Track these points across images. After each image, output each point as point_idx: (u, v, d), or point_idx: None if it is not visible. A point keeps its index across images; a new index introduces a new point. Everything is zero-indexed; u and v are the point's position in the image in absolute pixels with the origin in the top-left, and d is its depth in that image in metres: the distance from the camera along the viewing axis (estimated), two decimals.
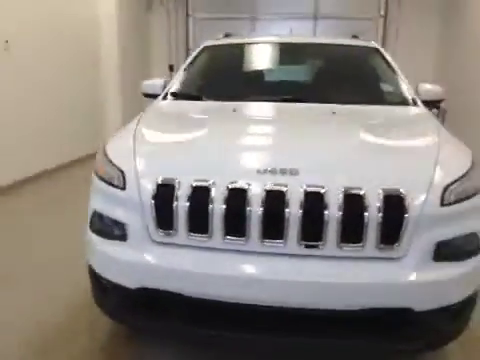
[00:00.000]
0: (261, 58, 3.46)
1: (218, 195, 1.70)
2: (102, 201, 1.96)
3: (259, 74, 3.30)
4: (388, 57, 3.30)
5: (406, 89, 2.92)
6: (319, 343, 1.78)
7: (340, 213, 1.64)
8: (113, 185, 1.89)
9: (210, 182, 1.72)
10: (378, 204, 1.65)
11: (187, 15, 8.92)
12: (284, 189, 1.67)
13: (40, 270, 3.03)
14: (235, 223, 1.69)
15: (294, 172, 1.73)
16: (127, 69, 7.50)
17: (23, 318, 2.46)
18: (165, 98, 2.95)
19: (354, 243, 1.67)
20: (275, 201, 1.66)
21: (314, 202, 1.66)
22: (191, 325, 1.80)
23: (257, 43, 3.62)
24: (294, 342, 1.76)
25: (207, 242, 1.73)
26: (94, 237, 1.94)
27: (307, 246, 1.68)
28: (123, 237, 1.84)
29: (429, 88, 2.99)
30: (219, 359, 2.14)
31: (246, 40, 3.67)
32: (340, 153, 1.93)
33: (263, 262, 1.71)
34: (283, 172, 1.73)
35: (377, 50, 3.37)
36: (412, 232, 1.67)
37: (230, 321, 1.76)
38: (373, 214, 1.64)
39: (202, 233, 1.72)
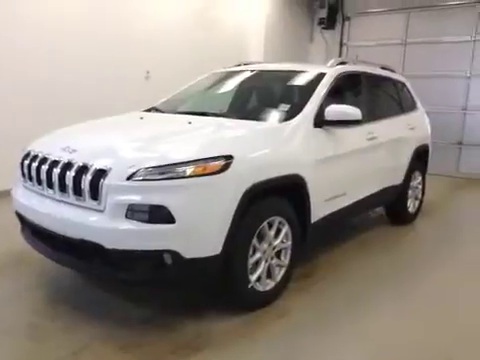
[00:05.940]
0: (227, 83, 4.27)
1: (38, 160, 2.91)
2: None
3: (207, 95, 4.18)
4: (327, 82, 3.64)
5: (297, 110, 3.34)
6: (65, 259, 2.79)
7: (73, 175, 2.63)
8: None
9: (39, 154, 2.95)
10: (90, 174, 2.57)
11: (341, 44, 9.62)
12: (59, 160, 2.76)
13: None
14: (40, 177, 2.87)
15: (73, 151, 2.79)
16: None
17: None
18: (149, 110, 4.19)
19: (80, 196, 2.63)
20: (53, 166, 2.78)
21: (66, 168, 2.69)
22: (31, 238, 3.06)
23: (240, 71, 4.38)
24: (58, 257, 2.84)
25: (33, 187, 2.97)
26: None
27: (62, 195, 2.73)
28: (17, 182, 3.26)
29: (334, 109, 3.33)
30: None
31: (238, 68, 4.47)
32: (117, 143, 2.84)
33: (46, 202, 2.83)
34: (70, 150, 2.80)
35: (322, 75, 3.73)
36: (106, 194, 2.52)
37: (42, 239, 2.94)
38: (87, 180, 2.57)
39: (31, 181, 2.98)
